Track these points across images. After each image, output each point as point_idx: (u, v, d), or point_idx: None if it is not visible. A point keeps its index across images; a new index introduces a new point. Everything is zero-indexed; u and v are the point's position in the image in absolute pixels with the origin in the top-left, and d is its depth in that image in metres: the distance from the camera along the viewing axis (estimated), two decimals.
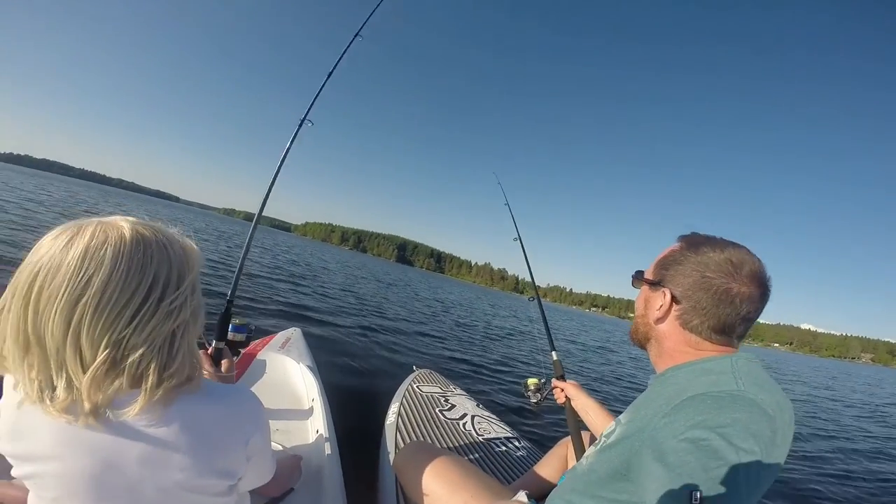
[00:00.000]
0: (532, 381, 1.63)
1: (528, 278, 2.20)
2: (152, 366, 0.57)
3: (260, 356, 2.25)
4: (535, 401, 1.60)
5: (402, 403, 2.20)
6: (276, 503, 1.16)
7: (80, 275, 0.53)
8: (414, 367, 2.92)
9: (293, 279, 9.80)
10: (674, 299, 0.82)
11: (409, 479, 1.20)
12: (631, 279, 0.96)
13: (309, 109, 1.71)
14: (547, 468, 1.46)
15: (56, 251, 0.54)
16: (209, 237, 16.81)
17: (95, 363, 0.54)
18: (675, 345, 0.83)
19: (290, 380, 2.08)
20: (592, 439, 1.42)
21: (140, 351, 0.56)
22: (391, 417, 2.04)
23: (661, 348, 0.87)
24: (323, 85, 1.77)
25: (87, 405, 0.54)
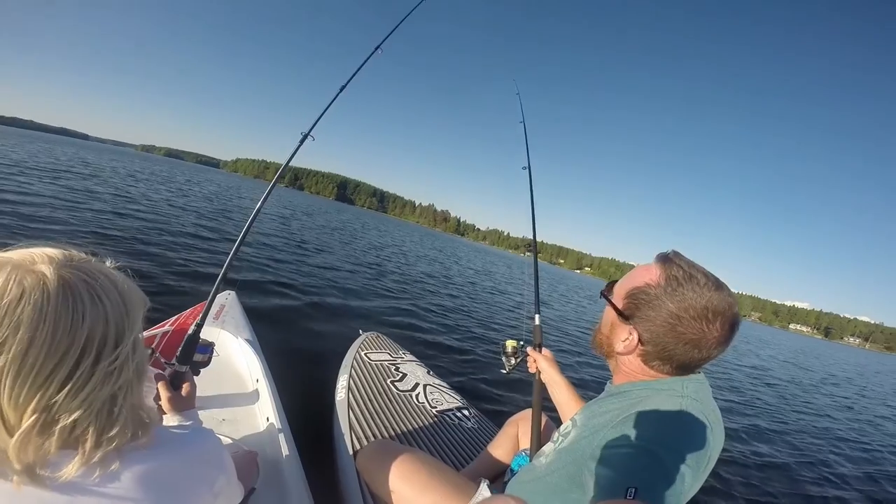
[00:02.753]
0: (510, 344, 1.55)
1: (530, 222, 1.98)
2: (90, 430, 0.50)
3: (192, 332, 2.05)
4: (508, 367, 1.54)
5: (350, 375, 2.16)
6: None
7: None
8: (360, 331, 2.86)
9: (221, 227, 9.06)
10: (640, 341, 0.82)
11: (374, 480, 1.18)
12: (600, 291, 0.96)
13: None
14: (499, 449, 1.52)
15: None
16: (137, 182, 14.84)
17: (23, 428, 0.46)
18: (633, 369, 0.88)
19: (230, 359, 1.94)
20: (548, 422, 1.49)
21: (75, 415, 0.49)
22: (341, 393, 2.00)
23: (619, 367, 0.91)
24: (334, 98, 1.71)
25: (17, 465, 0.46)
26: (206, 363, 1.21)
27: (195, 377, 1.15)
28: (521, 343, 1.54)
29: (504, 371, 1.53)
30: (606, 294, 0.92)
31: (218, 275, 1.33)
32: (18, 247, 0.52)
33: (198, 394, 1.56)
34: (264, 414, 1.55)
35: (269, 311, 4.06)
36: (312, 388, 2.37)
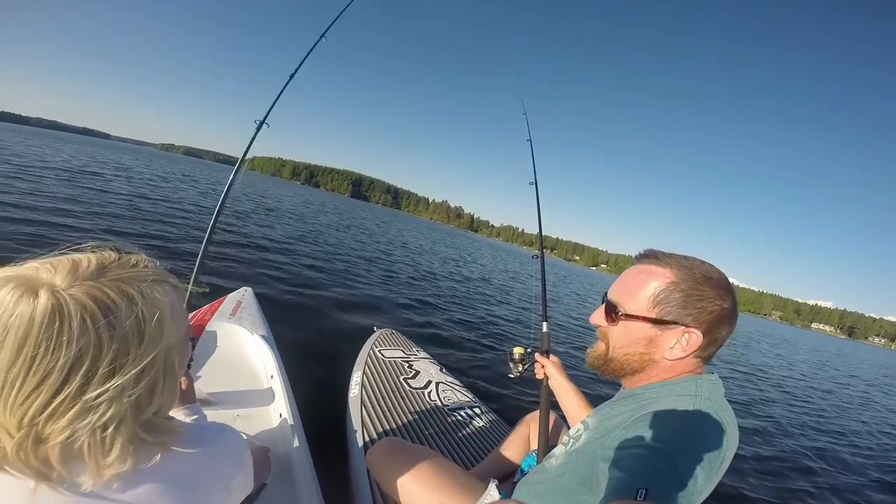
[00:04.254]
0: (518, 351, 1.54)
1: (537, 228, 1.92)
2: (87, 452, 0.48)
3: (209, 327, 2.09)
4: (515, 374, 1.53)
5: (364, 372, 2.18)
6: (250, 501, 1.12)
7: None
8: (374, 328, 2.89)
9: (238, 225, 9.23)
10: (704, 335, 0.79)
11: (383, 477, 1.19)
12: (612, 316, 0.87)
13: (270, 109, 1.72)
14: (510, 449, 1.51)
15: None
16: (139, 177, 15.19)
17: (16, 438, 0.46)
18: (660, 371, 0.84)
19: (245, 354, 1.97)
20: (558, 424, 1.48)
21: (61, 438, 0.47)
22: (354, 389, 2.02)
23: (653, 372, 0.86)
24: (284, 86, 1.78)
25: (25, 469, 0.47)
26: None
27: (189, 370, 1.18)
28: (529, 349, 1.53)
29: (511, 376, 1.53)
30: (628, 312, 0.84)
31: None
32: (53, 253, 0.51)
33: (214, 389, 1.61)
34: (278, 410, 1.58)
35: (286, 308, 4.12)
36: (326, 384, 2.40)
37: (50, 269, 0.48)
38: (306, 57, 1.90)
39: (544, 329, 1.55)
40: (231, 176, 1.61)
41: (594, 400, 1.17)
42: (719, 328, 0.79)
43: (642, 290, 0.83)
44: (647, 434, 0.69)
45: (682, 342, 0.80)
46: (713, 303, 0.78)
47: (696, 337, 0.79)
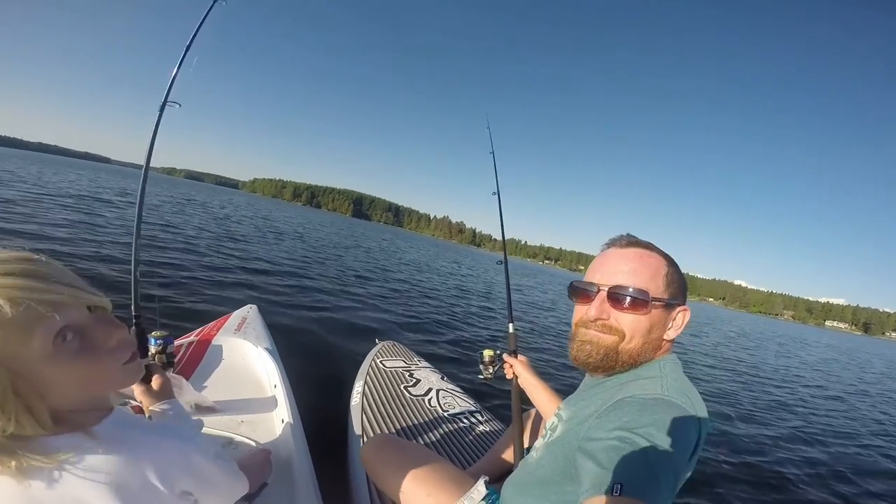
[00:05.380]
0: (487, 353, 1.61)
1: (499, 236, 1.96)
2: None
3: (215, 341, 2.17)
4: (486, 375, 1.59)
5: (366, 382, 2.23)
6: (250, 500, 1.18)
7: None
8: (377, 340, 2.94)
9: (242, 247, 9.35)
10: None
11: (376, 473, 1.24)
12: (640, 305, 0.82)
13: (167, 93, 1.41)
14: (505, 449, 1.53)
15: None
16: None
17: None
18: (662, 350, 0.87)
19: (249, 366, 2.04)
20: (537, 418, 1.52)
21: None
22: (356, 398, 2.07)
23: (644, 354, 0.85)
24: (181, 60, 1.46)
25: None
26: (165, 353, 1.29)
27: (170, 370, 1.25)
28: (498, 351, 1.59)
29: (482, 377, 1.59)
30: (659, 297, 0.82)
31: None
32: None
33: (220, 398, 1.67)
34: (280, 416, 1.63)
35: (290, 326, 4.17)
36: (329, 394, 2.46)
37: None
38: (201, 24, 1.56)
39: (511, 330, 1.60)
40: (143, 167, 1.41)
41: (564, 393, 1.19)
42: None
43: (657, 273, 0.83)
44: (620, 424, 0.69)
45: (676, 321, 0.85)
46: (681, 277, 0.86)
47: (687, 314, 0.85)
